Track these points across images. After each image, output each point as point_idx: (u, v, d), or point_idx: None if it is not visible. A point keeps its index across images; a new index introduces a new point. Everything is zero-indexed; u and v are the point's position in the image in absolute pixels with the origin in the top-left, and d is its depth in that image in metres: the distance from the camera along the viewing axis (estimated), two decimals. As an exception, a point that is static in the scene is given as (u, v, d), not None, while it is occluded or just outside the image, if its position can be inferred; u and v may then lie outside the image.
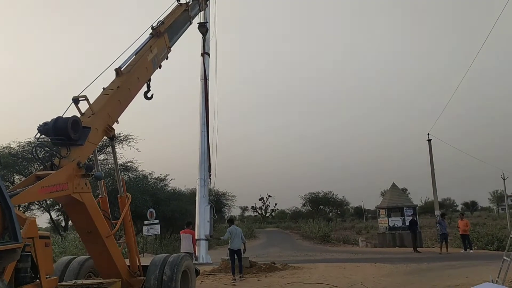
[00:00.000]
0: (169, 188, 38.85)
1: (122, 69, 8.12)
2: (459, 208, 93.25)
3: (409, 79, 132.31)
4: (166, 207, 31.18)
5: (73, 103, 6.98)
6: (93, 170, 6.66)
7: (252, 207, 79.86)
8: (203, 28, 11.38)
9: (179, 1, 10.70)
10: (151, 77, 9.01)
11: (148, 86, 9.01)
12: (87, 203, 6.50)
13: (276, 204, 78.19)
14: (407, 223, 23.54)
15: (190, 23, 11.07)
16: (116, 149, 7.91)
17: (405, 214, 25.57)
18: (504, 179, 46.03)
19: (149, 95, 9.08)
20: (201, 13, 11.62)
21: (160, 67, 9.31)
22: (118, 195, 7.74)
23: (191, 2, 10.99)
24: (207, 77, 11.02)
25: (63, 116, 6.65)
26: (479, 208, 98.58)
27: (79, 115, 6.90)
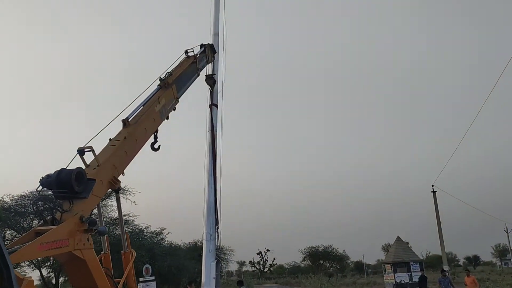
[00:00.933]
0: (166, 242, 38.03)
1: (129, 120, 7.99)
2: (461, 262, 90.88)
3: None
4: (162, 262, 30.16)
5: (78, 155, 6.73)
6: (96, 224, 6.28)
7: (250, 261, 77.47)
8: (211, 80, 11.45)
9: (187, 53, 10.86)
10: (159, 128, 8.90)
11: (155, 137, 8.89)
12: (89, 261, 6.05)
13: (274, 259, 75.95)
14: (414, 279, 22.55)
15: (198, 75, 11.15)
16: (120, 202, 7.52)
17: (411, 270, 24.53)
18: (507, 232, 45.06)
19: (156, 146, 8.96)
20: (209, 65, 11.80)
21: (167, 118, 9.25)
22: (122, 251, 7.28)
23: (198, 55, 11.12)
24: (214, 129, 10.88)
25: (67, 168, 6.38)
26: (481, 262, 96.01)
27: (83, 167, 6.64)
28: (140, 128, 8.03)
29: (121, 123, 7.97)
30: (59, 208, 5.97)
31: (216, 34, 12.37)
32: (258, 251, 74.21)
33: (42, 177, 6.26)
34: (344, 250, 70.35)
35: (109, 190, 7.18)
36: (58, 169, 6.30)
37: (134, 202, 29.56)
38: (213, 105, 11.57)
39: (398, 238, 27.89)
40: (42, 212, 6.03)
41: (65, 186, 6.07)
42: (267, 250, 72.97)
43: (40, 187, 6.19)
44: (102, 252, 7.13)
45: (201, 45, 11.64)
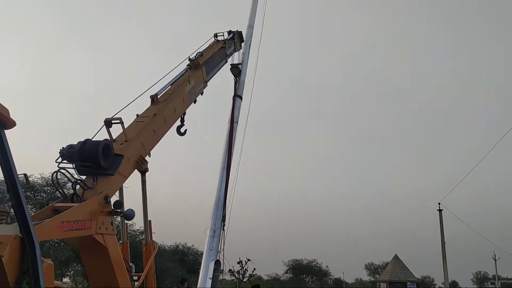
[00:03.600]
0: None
1: (158, 97, 7.19)
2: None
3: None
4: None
5: (104, 126, 5.86)
6: (122, 206, 5.41)
7: (230, 270, 75.88)
8: (236, 70, 10.75)
9: (217, 37, 10.18)
10: (186, 111, 8.15)
11: (182, 120, 8.17)
12: (111, 249, 5.17)
13: (255, 269, 74.52)
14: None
15: (226, 61, 10.51)
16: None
17: (408, 291, 23.88)
18: (495, 260, 44.87)
19: (182, 130, 8.24)
20: (236, 55, 11.13)
21: (195, 101, 8.50)
22: (144, 242, 6.41)
23: (228, 39, 10.45)
24: (235, 120, 10.09)
25: (92, 139, 5.52)
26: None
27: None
28: (170, 106, 7.24)
29: (149, 100, 7.16)
30: (81, 183, 5.09)
31: (250, 26, 11.74)
32: (239, 260, 72.73)
33: (63, 148, 5.39)
34: (327, 266, 69.59)
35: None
36: (82, 140, 5.43)
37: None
38: (236, 96, 10.84)
39: (396, 257, 27.15)
40: (62, 187, 5.12)
41: (89, 160, 5.22)
42: (248, 260, 71.55)
43: (60, 159, 5.31)
44: (120, 241, 6.22)
45: (230, 31, 10.94)
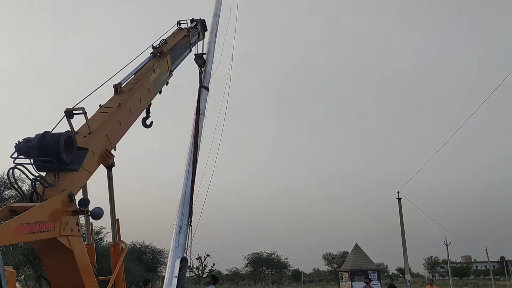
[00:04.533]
0: (105, 243, 35.80)
1: (122, 86, 6.68)
2: (390, 273, 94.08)
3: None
4: (103, 264, 27.92)
5: (65, 117, 5.31)
6: (88, 205, 4.94)
7: (189, 266, 74.72)
8: (200, 60, 10.34)
9: (180, 25, 9.72)
10: (152, 102, 7.67)
11: (148, 112, 7.69)
12: (77, 252, 4.69)
13: (214, 264, 74.06)
14: (373, 288, 22.25)
15: (190, 51, 10.08)
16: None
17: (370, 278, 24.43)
18: (447, 245, 47.31)
19: (148, 122, 7.75)
20: (200, 44, 10.72)
21: (160, 92, 8.03)
22: (111, 243, 5.93)
23: (191, 27, 10.01)
24: (201, 112, 9.73)
25: (52, 132, 4.98)
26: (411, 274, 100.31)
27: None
28: (135, 96, 6.76)
29: (111, 91, 6.64)
30: (41, 181, 4.57)
31: (216, 15, 11.34)
32: (198, 256, 71.87)
33: (18, 141, 4.82)
34: (286, 258, 70.43)
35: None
36: (41, 133, 4.88)
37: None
38: (202, 87, 10.44)
39: (357, 246, 27.82)
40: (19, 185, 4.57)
41: (50, 154, 4.69)
42: (207, 255, 70.97)
43: (16, 154, 4.74)
44: (85, 243, 5.71)
45: (192, 20, 10.50)
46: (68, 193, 4.65)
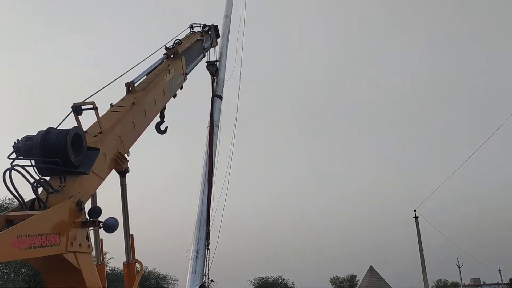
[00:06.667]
0: (108, 268, 34.86)
1: (135, 85, 5.99)
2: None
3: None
4: None
5: (72, 113, 4.57)
6: (100, 215, 4.14)
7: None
8: (213, 67, 9.75)
9: (193, 28, 9.13)
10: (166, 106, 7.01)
11: (162, 116, 7.03)
12: (86, 272, 3.87)
13: (212, 281, 71.78)
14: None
15: (204, 56, 9.48)
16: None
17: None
18: (459, 267, 45.75)
19: (162, 127, 7.07)
20: (212, 52, 10.14)
21: (175, 96, 7.37)
22: (125, 262, 5.09)
23: (205, 32, 9.44)
24: (215, 124, 9.01)
25: (57, 128, 4.24)
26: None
27: None
28: (149, 96, 6.07)
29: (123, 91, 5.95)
30: (45, 185, 3.79)
31: (227, 16, 10.82)
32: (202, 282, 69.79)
33: (17, 140, 4.07)
34: (293, 282, 68.36)
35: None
36: (44, 129, 4.14)
37: None
38: (215, 96, 9.77)
39: (371, 268, 26.27)
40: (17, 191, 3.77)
41: (55, 154, 3.94)
42: (212, 281, 68.89)
43: (15, 154, 3.99)
44: (94, 262, 4.87)
45: (204, 25, 9.93)
46: (77, 200, 3.87)
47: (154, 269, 48.62)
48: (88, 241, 3.97)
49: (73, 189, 3.94)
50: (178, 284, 49.44)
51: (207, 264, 10.72)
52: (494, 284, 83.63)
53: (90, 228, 4.09)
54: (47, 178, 3.97)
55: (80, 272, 3.80)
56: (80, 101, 4.60)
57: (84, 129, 4.71)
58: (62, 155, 3.93)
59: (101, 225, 4.11)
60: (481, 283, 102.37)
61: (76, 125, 4.40)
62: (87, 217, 3.99)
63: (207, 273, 10.96)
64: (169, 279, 48.57)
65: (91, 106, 4.59)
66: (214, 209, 10.94)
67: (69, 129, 4.12)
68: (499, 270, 63.59)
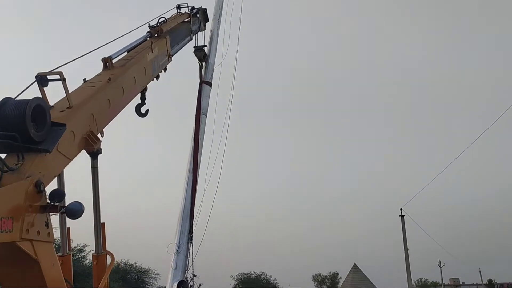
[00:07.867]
0: (87, 261, 34.36)
1: (113, 61, 5.50)
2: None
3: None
4: (84, 283, 26.46)
5: (36, 83, 4.06)
6: (64, 198, 3.67)
7: (189, 289, 71.87)
8: (201, 52, 9.26)
9: (179, 9, 8.62)
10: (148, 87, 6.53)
11: (143, 98, 6.57)
12: (45, 264, 3.39)
13: (200, 285, 71.30)
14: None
15: (191, 39, 8.98)
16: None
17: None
18: (440, 267, 46.11)
19: (143, 110, 6.59)
20: (200, 36, 9.64)
21: (157, 78, 6.89)
22: (94, 253, 4.61)
23: (192, 13, 8.94)
24: (202, 112, 8.54)
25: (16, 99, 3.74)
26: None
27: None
28: (129, 74, 5.58)
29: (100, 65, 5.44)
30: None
31: None
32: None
33: None
34: (275, 279, 68.20)
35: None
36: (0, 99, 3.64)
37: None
38: (204, 82, 9.27)
39: (355, 266, 26.11)
40: None
41: (11, 127, 3.44)
42: (194, 275, 68.41)
43: None
44: (59, 253, 4.38)
45: (193, 8, 9.42)
46: (35, 181, 3.38)
47: (135, 263, 48.11)
48: (48, 228, 3.48)
49: (32, 169, 3.45)
50: (159, 279, 48.93)
51: (190, 259, 10.23)
52: (473, 284, 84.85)
53: (52, 214, 3.60)
54: (3, 155, 3.49)
55: (38, 263, 3.32)
56: (45, 71, 4.09)
57: (51, 104, 4.22)
58: (20, 129, 3.44)
59: (64, 210, 3.62)
60: (460, 283, 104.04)
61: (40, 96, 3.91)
62: (48, 200, 3.51)
63: (189, 268, 10.46)
64: (151, 273, 48.21)
65: (58, 76, 4.08)
66: (199, 202, 10.45)
67: (30, 99, 3.62)
68: (480, 271, 64.45)
